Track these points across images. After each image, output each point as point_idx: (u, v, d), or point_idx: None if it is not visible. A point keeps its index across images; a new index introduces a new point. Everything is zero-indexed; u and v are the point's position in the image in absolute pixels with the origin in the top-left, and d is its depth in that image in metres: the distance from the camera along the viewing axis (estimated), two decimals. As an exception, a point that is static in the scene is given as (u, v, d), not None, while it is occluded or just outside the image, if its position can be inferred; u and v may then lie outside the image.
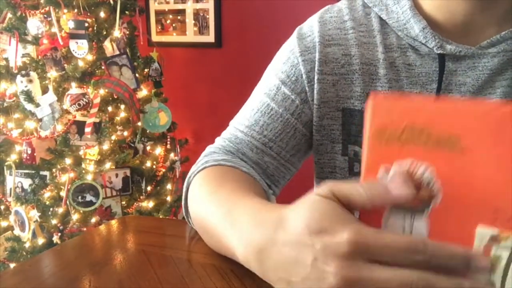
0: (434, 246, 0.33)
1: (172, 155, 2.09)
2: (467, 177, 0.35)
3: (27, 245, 1.75)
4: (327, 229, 0.34)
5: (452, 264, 0.32)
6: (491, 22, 0.56)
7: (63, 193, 1.72)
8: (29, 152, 1.74)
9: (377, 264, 0.33)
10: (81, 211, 1.76)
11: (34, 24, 1.69)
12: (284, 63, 0.67)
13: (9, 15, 1.74)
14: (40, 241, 1.73)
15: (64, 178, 1.72)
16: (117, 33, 1.81)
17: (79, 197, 1.73)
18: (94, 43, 1.75)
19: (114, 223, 0.70)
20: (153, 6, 2.53)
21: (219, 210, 0.52)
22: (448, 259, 0.32)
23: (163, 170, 2.01)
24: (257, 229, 0.41)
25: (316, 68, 0.63)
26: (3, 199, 1.86)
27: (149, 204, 1.93)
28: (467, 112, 0.35)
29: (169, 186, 2.03)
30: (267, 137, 0.65)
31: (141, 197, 1.91)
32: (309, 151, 0.70)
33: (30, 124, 1.74)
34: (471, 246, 0.34)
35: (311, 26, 0.66)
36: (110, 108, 1.82)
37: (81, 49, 1.70)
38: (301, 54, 0.64)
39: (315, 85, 0.64)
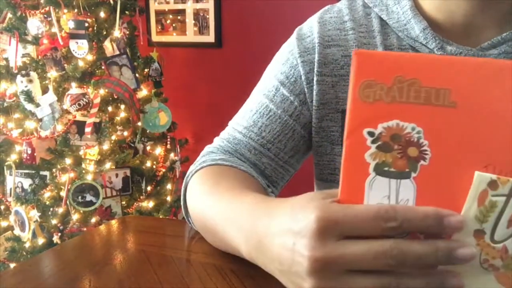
0: (404, 210, 0.32)
1: (172, 155, 2.09)
2: (457, 133, 0.33)
3: (27, 245, 1.75)
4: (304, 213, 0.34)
5: (424, 225, 0.32)
6: (491, 23, 0.56)
7: (63, 193, 1.72)
8: (29, 152, 1.75)
9: (350, 239, 0.33)
10: (81, 211, 1.76)
11: (34, 24, 1.69)
12: (283, 64, 0.66)
13: (9, 15, 1.74)
14: (40, 241, 1.73)
15: (64, 178, 1.72)
16: (117, 33, 1.81)
17: (79, 197, 1.73)
18: (94, 43, 1.75)
19: (114, 223, 0.70)
20: (153, 6, 2.53)
21: (218, 208, 0.52)
22: (419, 220, 0.32)
23: (163, 170, 2.01)
24: (255, 223, 0.42)
25: (315, 69, 0.63)
26: (3, 199, 1.86)
27: (149, 204, 1.93)
28: (459, 65, 0.34)
29: (169, 186, 2.03)
30: (265, 139, 0.65)
31: (141, 197, 1.91)
32: (308, 152, 0.70)
33: (30, 124, 1.74)
34: (461, 206, 0.33)
35: (310, 27, 0.66)
36: (110, 108, 1.82)
37: (81, 49, 1.70)
38: (300, 55, 0.64)
39: (314, 87, 0.63)
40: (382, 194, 0.34)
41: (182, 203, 0.64)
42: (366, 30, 0.63)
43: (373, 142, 0.34)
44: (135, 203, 1.89)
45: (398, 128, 0.34)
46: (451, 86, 0.33)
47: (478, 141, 0.33)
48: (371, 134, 0.35)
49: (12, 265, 1.71)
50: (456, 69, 0.34)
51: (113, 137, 1.82)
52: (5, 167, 1.81)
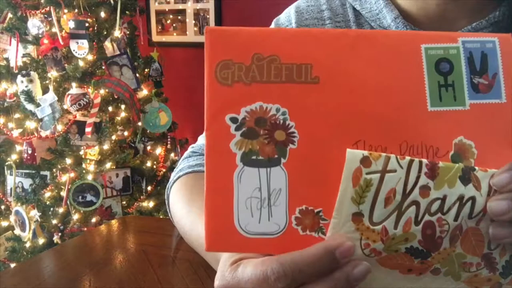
0: (291, 262, 0.29)
1: (172, 155, 2.09)
2: (323, 110, 0.31)
3: (28, 245, 1.75)
4: None
5: (319, 268, 0.30)
6: (463, 14, 0.56)
7: (63, 193, 1.72)
8: (30, 152, 1.75)
9: None
10: (82, 211, 1.76)
11: (35, 24, 1.69)
12: None
13: (10, 15, 1.74)
14: (41, 241, 1.73)
15: (65, 178, 1.72)
16: (117, 33, 1.81)
17: (80, 197, 1.73)
18: (94, 43, 1.75)
19: (114, 223, 0.70)
20: (154, 6, 2.53)
21: (194, 234, 0.52)
22: (312, 266, 0.29)
23: (164, 170, 2.01)
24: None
25: None
26: (3, 199, 1.86)
27: (149, 204, 1.93)
28: (317, 38, 0.32)
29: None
30: None
31: (142, 197, 1.91)
32: None
33: (30, 124, 1.74)
34: (337, 183, 0.31)
35: (288, 16, 0.65)
36: (110, 108, 1.82)
37: (81, 49, 1.70)
38: None
39: None
40: (252, 186, 0.32)
41: (169, 214, 0.64)
42: (343, 19, 0.62)
43: (237, 129, 0.32)
44: (135, 203, 1.90)
45: (262, 110, 0.32)
46: (312, 60, 0.32)
47: (345, 116, 0.32)
48: (233, 120, 0.32)
49: (12, 265, 1.71)
50: (315, 43, 0.32)
51: (114, 137, 1.82)
52: (5, 167, 1.81)
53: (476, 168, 0.31)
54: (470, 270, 0.33)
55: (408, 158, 0.31)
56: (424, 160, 0.31)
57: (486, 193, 0.31)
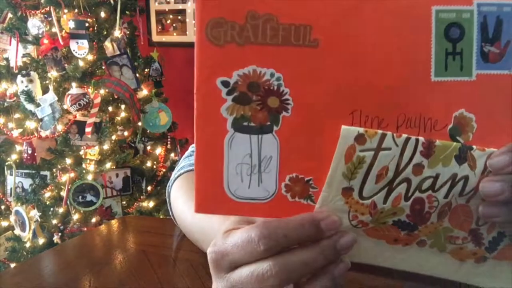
0: (276, 227, 0.30)
1: (172, 155, 2.09)
2: (321, 77, 0.29)
3: (28, 245, 1.75)
4: None
5: (303, 236, 0.30)
6: None
7: (63, 193, 1.72)
8: (30, 152, 1.75)
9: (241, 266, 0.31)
10: (82, 211, 1.76)
11: (35, 24, 1.69)
12: None
13: (10, 15, 1.74)
14: (41, 241, 1.73)
15: (65, 178, 1.72)
16: (117, 33, 1.81)
17: (80, 197, 1.73)
18: (94, 43, 1.75)
19: (114, 223, 0.70)
20: (154, 6, 2.53)
21: (195, 228, 0.53)
22: (296, 232, 0.30)
23: (164, 170, 2.01)
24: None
25: None
26: (3, 199, 1.86)
27: (149, 204, 1.93)
28: None
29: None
30: None
31: (142, 197, 1.91)
32: None
33: (30, 124, 1.74)
34: (330, 154, 0.30)
35: None
36: (110, 108, 1.82)
37: (81, 49, 1.70)
38: None
39: None
40: (243, 152, 0.31)
41: (170, 212, 0.65)
42: None
43: (228, 93, 0.30)
44: (135, 203, 1.90)
45: (255, 75, 0.29)
46: (312, 21, 0.29)
47: (342, 84, 0.30)
48: (225, 84, 0.30)
49: (12, 265, 1.71)
50: (315, 2, 0.29)
51: (114, 137, 1.82)
52: (5, 167, 1.81)
53: (474, 147, 0.30)
54: (456, 242, 0.33)
55: (404, 136, 0.30)
56: (421, 138, 0.30)
57: (480, 172, 0.30)
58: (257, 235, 0.30)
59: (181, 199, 0.59)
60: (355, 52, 0.30)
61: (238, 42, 0.29)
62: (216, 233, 0.41)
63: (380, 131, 0.29)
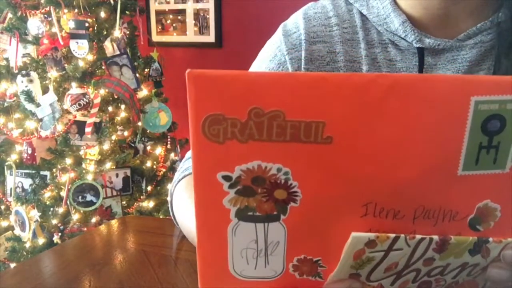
0: None
1: (172, 155, 2.09)
2: (333, 171, 0.27)
3: (28, 245, 1.75)
4: None
5: None
6: (466, 15, 0.57)
7: (63, 193, 1.72)
8: (30, 152, 1.74)
9: None
10: (82, 211, 1.76)
11: (35, 24, 1.69)
12: (271, 60, 0.66)
13: (10, 15, 1.74)
14: (41, 241, 1.73)
15: (65, 178, 1.72)
16: (117, 33, 1.81)
17: (80, 197, 1.73)
18: (94, 43, 1.75)
19: (114, 223, 0.70)
20: (154, 6, 2.53)
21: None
22: None
23: (164, 170, 2.01)
24: None
25: (302, 66, 0.63)
26: (3, 199, 1.86)
27: (149, 204, 1.93)
28: (337, 87, 0.26)
29: (169, 186, 2.02)
30: None
31: (142, 197, 1.91)
32: None
33: (30, 124, 1.74)
34: (341, 241, 0.28)
35: (296, 23, 0.66)
36: (110, 108, 1.82)
37: (81, 49, 1.70)
38: (288, 52, 0.64)
39: None
40: (248, 239, 0.29)
41: (170, 213, 0.65)
42: (350, 25, 0.63)
43: (230, 187, 0.27)
44: (135, 203, 1.89)
45: (260, 170, 0.27)
46: (326, 117, 0.26)
47: (357, 178, 0.27)
48: (226, 178, 0.27)
49: (12, 265, 1.71)
50: (333, 95, 0.26)
51: (114, 137, 1.82)
52: (5, 167, 1.81)
53: (490, 239, 0.29)
54: None
55: (418, 237, 0.28)
56: (435, 238, 0.28)
57: (491, 259, 0.30)
58: None
59: (184, 201, 0.59)
60: (374, 147, 0.27)
61: (240, 139, 0.26)
62: None
63: (392, 235, 0.28)
